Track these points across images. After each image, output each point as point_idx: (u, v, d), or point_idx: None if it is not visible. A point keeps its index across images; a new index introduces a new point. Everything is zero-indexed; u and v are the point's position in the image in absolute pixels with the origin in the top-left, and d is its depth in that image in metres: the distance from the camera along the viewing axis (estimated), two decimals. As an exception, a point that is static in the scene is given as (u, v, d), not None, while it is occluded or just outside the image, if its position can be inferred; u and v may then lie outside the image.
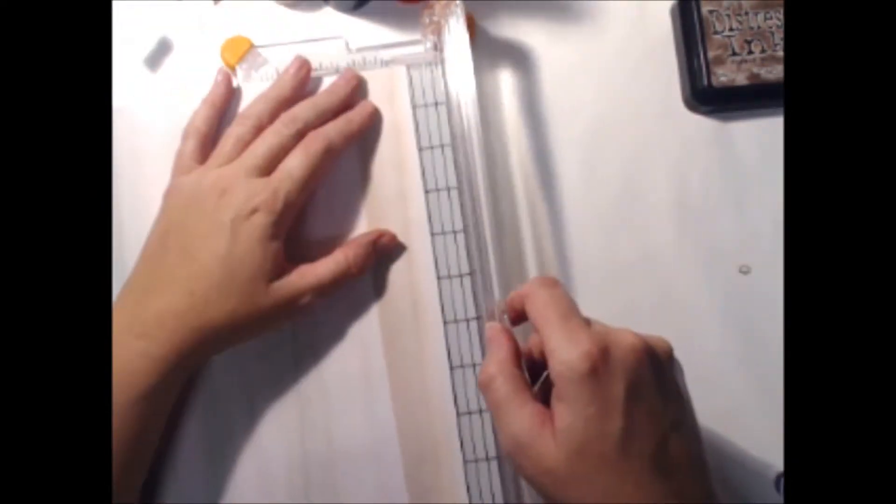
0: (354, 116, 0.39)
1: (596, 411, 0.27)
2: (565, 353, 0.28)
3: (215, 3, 0.43)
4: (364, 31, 0.43)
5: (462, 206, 0.39)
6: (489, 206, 0.36)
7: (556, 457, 0.28)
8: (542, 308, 0.30)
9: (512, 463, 0.30)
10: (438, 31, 0.41)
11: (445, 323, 0.39)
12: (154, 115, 0.40)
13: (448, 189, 0.40)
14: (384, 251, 0.39)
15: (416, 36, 0.42)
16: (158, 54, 0.43)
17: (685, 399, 0.31)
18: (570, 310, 0.30)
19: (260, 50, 0.41)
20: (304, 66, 0.39)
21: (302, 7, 0.44)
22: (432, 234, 0.39)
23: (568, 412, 0.28)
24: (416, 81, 0.41)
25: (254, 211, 0.35)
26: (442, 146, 0.40)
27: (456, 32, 0.38)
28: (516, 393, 0.30)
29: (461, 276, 0.39)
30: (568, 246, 0.41)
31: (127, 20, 0.43)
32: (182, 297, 0.34)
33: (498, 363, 0.31)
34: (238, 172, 0.36)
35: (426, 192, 0.40)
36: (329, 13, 0.44)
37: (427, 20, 0.41)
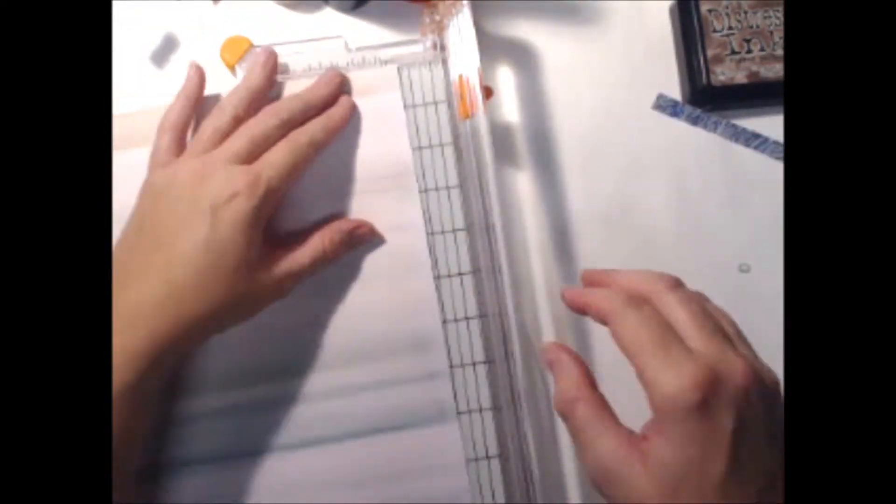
0: (335, 112, 0.39)
1: (699, 450, 0.26)
2: (669, 387, 0.26)
3: (215, 3, 0.43)
4: (363, 31, 0.43)
5: (465, 205, 0.40)
6: (499, 206, 0.36)
7: (649, 491, 0.26)
8: (633, 334, 0.28)
9: (598, 490, 0.28)
10: (440, 31, 0.41)
11: (445, 322, 0.39)
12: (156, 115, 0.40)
13: (448, 188, 0.40)
14: (360, 241, 0.39)
15: (415, 35, 0.42)
16: (164, 51, 0.43)
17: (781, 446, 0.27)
18: (666, 333, 0.27)
19: (259, 50, 0.41)
20: (270, 56, 0.39)
21: (301, 7, 0.44)
22: (431, 234, 0.39)
23: (668, 447, 0.26)
24: (416, 81, 0.41)
25: (234, 195, 0.33)
26: (442, 146, 0.40)
27: (464, 31, 0.38)
28: (601, 417, 0.28)
29: (461, 274, 0.39)
30: (568, 245, 0.41)
31: (132, 18, 0.43)
32: (159, 287, 0.32)
33: (576, 386, 0.29)
34: (218, 159, 0.35)
35: (424, 191, 0.40)
36: (328, 13, 0.44)
37: (428, 19, 0.41)
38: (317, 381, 0.38)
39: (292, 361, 0.38)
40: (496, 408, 0.38)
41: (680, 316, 0.28)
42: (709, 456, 0.26)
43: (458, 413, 0.38)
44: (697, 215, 0.42)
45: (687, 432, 0.26)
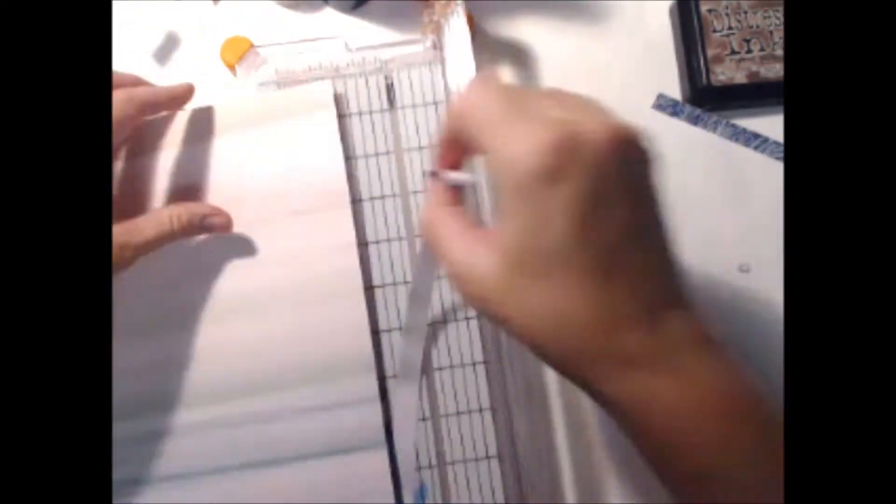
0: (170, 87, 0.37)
1: (537, 222, 0.23)
2: (510, 150, 0.23)
3: (215, 4, 0.44)
4: (363, 31, 0.43)
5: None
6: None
7: (494, 276, 0.24)
8: (480, 108, 0.24)
9: (460, 295, 0.26)
10: (438, 31, 0.41)
11: (445, 321, 0.39)
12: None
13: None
14: (212, 229, 0.37)
15: (416, 35, 0.42)
16: (166, 49, 0.43)
17: (658, 202, 0.25)
18: (521, 102, 0.24)
19: (260, 50, 0.41)
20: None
21: (302, 7, 0.44)
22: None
23: (507, 224, 0.24)
24: (416, 81, 0.41)
25: None
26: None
27: (457, 31, 0.38)
28: (454, 225, 0.26)
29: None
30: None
31: (134, 17, 0.43)
32: None
33: (436, 204, 0.27)
34: None
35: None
36: (329, 13, 0.44)
37: (427, 19, 0.41)
38: (250, 405, 0.38)
39: (227, 385, 0.38)
40: (494, 408, 0.38)
41: (532, 92, 0.26)
42: (546, 227, 0.23)
43: (459, 413, 0.38)
44: (697, 215, 0.42)
45: (525, 203, 0.23)
